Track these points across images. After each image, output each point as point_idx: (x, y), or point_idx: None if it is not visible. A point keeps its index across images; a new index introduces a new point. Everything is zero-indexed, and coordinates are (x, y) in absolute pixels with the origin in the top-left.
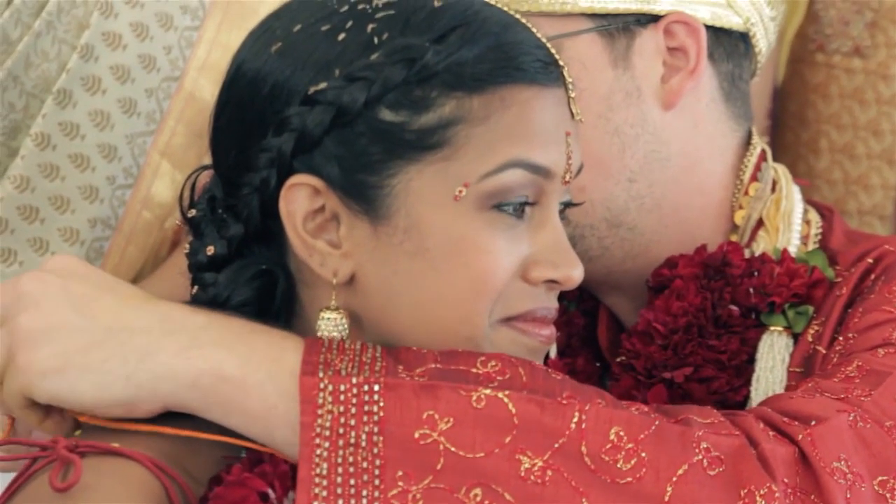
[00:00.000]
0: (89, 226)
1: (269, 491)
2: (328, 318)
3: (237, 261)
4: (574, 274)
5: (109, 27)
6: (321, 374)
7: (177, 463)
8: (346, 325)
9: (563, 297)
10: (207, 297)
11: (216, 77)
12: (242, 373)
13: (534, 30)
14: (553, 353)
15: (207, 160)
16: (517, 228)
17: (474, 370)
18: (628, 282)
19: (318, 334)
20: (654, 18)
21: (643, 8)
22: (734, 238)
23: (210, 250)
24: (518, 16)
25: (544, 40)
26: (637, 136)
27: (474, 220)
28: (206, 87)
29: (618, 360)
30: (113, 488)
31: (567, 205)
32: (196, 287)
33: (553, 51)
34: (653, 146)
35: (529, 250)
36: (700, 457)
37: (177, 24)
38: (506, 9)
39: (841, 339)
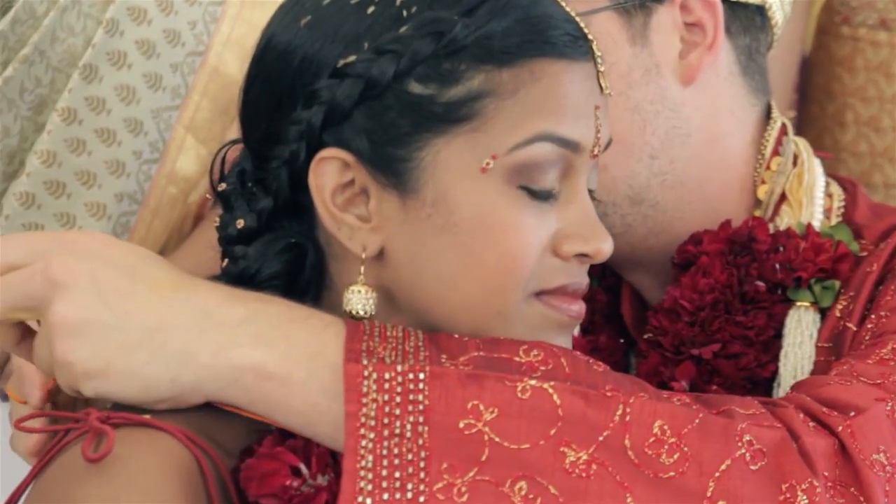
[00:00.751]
0: (116, 200)
1: (301, 465)
2: (356, 293)
3: (267, 234)
4: (604, 247)
5: (134, 2)
6: (365, 362)
7: (208, 435)
8: (374, 300)
9: None
10: (237, 270)
11: (241, 52)
12: (284, 370)
13: (563, 3)
14: (576, 330)
15: (232, 135)
16: (545, 203)
17: (517, 359)
18: (651, 258)
19: (346, 308)
20: None
21: None
22: (757, 213)
23: (240, 223)
24: None
25: (573, 14)
26: (657, 112)
27: (501, 195)
28: (230, 62)
29: (645, 336)
30: (145, 459)
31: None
32: (226, 260)
33: (582, 24)
34: (673, 122)
35: (558, 225)
36: (743, 451)
37: None
38: None
39: (873, 317)
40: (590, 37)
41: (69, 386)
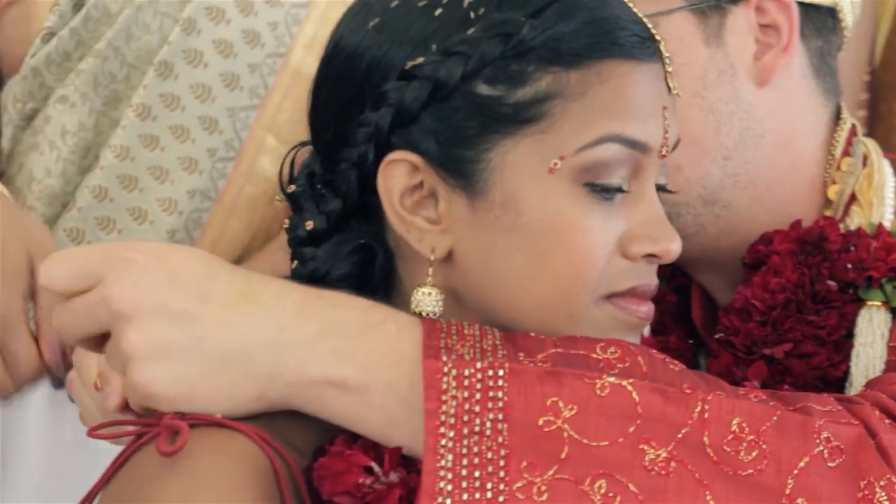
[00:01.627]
0: (188, 196)
1: (374, 464)
2: (425, 293)
3: (336, 235)
4: (673, 247)
5: (212, 2)
6: (444, 358)
7: (280, 434)
8: (442, 301)
9: None
10: (307, 271)
11: None
12: (363, 384)
13: (630, 4)
14: (646, 331)
15: None
16: (612, 204)
17: (594, 356)
18: (722, 259)
19: (415, 309)
20: None
21: None
22: (828, 213)
23: (309, 225)
24: None
25: (641, 15)
26: (732, 113)
27: (569, 196)
28: (313, 64)
29: (716, 336)
30: (219, 458)
31: (660, 188)
32: (296, 262)
33: (650, 25)
34: (747, 123)
35: (626, 226)
36: (821, 448)
37: (283, 1)
38: None
39: None
40: (657, 37)
41: (143, 403)
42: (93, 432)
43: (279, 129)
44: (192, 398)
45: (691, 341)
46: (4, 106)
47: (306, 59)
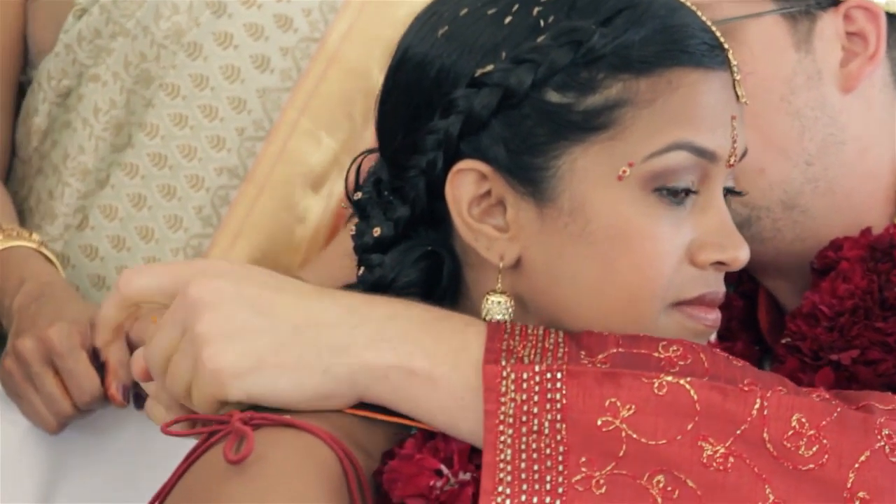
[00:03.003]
0: (215, 174)
1: (443, 467)
2: (495, 301)
3: (403, 242)
4: (741, 255)
5: None
6: (503, 363)
7: (349, 436)
8: (511, 309)
9: None
10: (373, 278)
11: (364, 44)
12: (429, 366)
13: (699, 13)
14: (712, 337)
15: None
16: (680, 212)
17: (656, 354)
18: (793, 265)
19: (485, 317)
20: (835, 2)
21: None
22: None
23: (376, 232)
24: None
25: (709, 23)
26: (816, 119)
27: (637, 203)
28: (350, 51)
29: (782, 341)
30: (287, 459)
31: (730, 191)
32: (362, 269)
33: (718, 33)
34: (830, 130)
35: (694, 234)
36: (882, 443)
37: None
38: None
39: None
40: (726, 46)
41: (213, 396)
42: (166, 428)
43: (314, 113)
44: (259, 371)
45: (757, 347)
46: (39, 84)
47: (343, 46)
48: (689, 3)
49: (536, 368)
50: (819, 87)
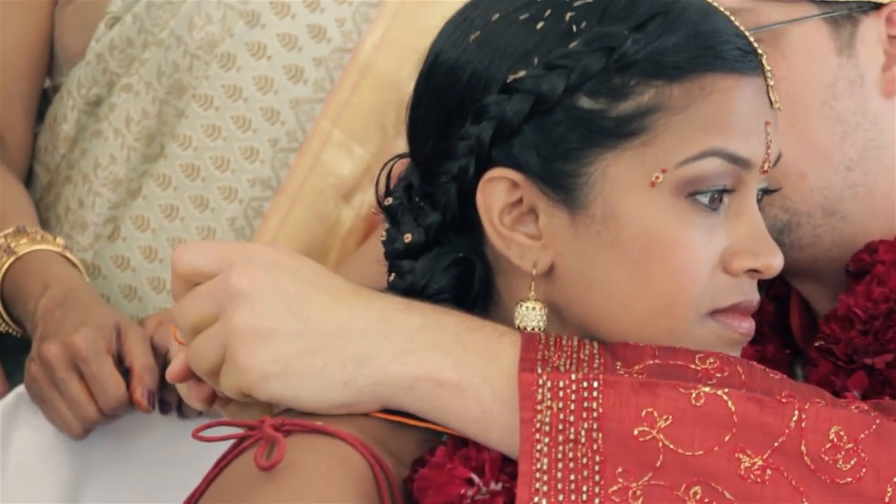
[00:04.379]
0: (248, 185)
1: (474, 476)
2: (529, 308)
3: (434, 249)
4: (774, 262)
5: None
6: (539, 371)
7: (380, 442)
8: (544, 316)
9: None
10: (405, 284)
11: (398, 54)
12: (459, 376)
13: (732, 18)
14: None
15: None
16: (713, 219)
17: (693, 366)
18: (828, 269)
19: (518, 324)
20: (876, 6)
21: None
22: None
23: (407, 238)
24: (744, 0)
25: (744, 29)
26: (858, 124)
27: (670, 210)
28: (383, 61)
29: (816, 344)
30: (318, 465)
31: (765, 192)
32: (393, 275)
33: (752, 39)
34: (871, 135)
35: (727, 241)
36: None
37: None
38: None
39: None
40: (759, 51)
41: (239, 388)
42: (197, 434)
43: (347, 124)
44: (284, 377)
45: (788, 351)
46: (69, 91)
47: (376, 56)
48: (727, 9)
49: (573, 377)
50: (861, 92)
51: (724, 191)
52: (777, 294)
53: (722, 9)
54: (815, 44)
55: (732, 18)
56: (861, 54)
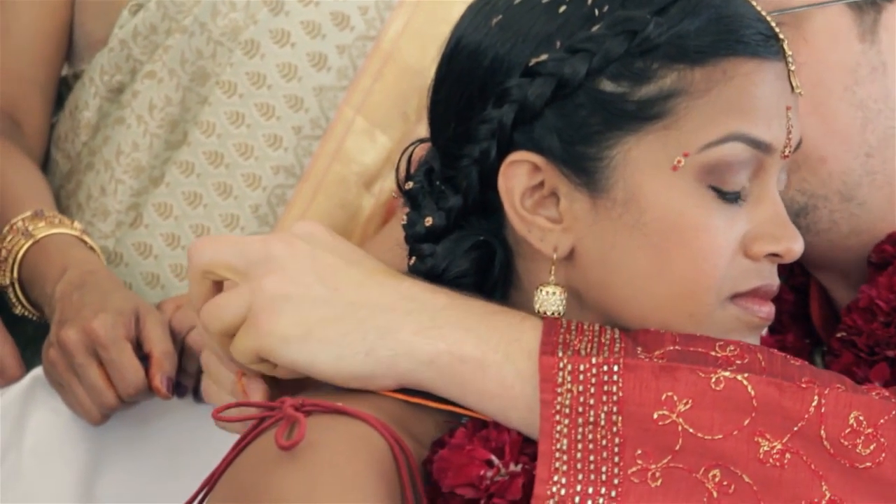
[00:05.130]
0: (272, 172)
1: (493, 457)
2: (549, 292)
3: (455, 232)
4: (795, 247)
5: None
6: (560, 354)
7: (400, 424)
8: (564, 301)
9: None
10: (425, 267)
11: (420, 41)
12: (481, 353)
13: (754, 2)
14: (763, 330)
15: (412, 124)
16: (735, 205)
17: (713, 353)
18: (847, 259)
19: (537, 308)
20: None
21: None
22: None
23: (428, 221)
24: None
25: (764, 13)
26: (879, 111)
27: (692, 195)
28: (405, 49)
29: (838, 335)
30: (338, 445)
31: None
32: (413, 258)
33: (773, 23)
34: (891, 122)
35: (748, 226)
36: None
37: None
38: None
39: None
40: (781, 36)
41: (255, 351)
42: (217, 414)
43: (370, 111)
44: (305, 342)
45: (808, 340)
46: (91, 79)
47: (399, 44)
48: None
49: (593, 360)
50: (883, 79)
51: (739, 197)
52: (797, 284)
53: None
54: (838, 28)
55: (754, 3)
56: (884, 41)
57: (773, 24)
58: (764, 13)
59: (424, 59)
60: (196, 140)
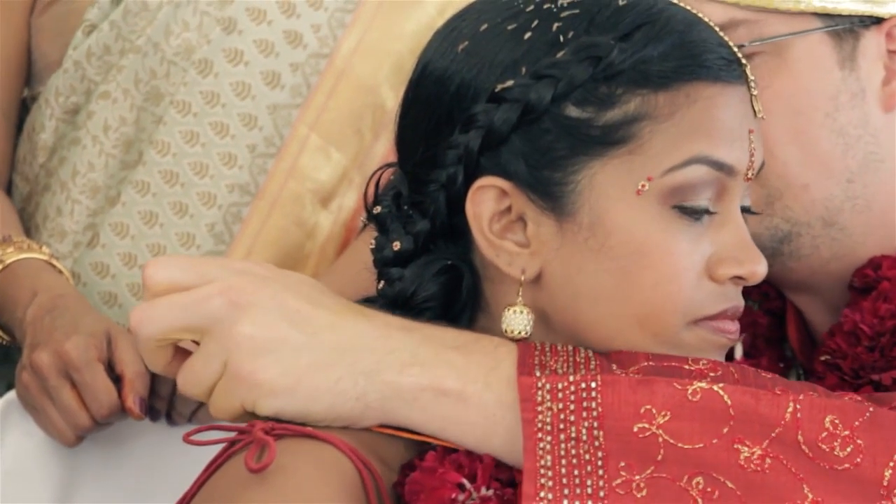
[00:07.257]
0: (227, 191)
1: (465, 482)
2: (516, 311)
3: (423, 256)
4: (759, 269)
5: (254, 3)
6: (538, 374)
7: (368, 447)
8: (531, 322)
9: (747, 296)
10: (394, 291)
11: (373, 58)
12: (462, 385)
13: (717, 29)
14: (738, 354)
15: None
16: (698, 227)
17: (687, 367)
18: (827, 283)
19: (505, 329)
20: (877, 21)
21: (871, 10)
22: None
23: (396, 246)
24: (748, 12)
25: (727, 39)
26: (859, 137)
27: (656, 219)
28: (359, 66)
29: (822, 358)
30: (307, 470)
31: (745, 210)
32: (382, 282)
33: (735, 49)
34: (872, 148)
35: (712, 248)
36: None
37: (327, 4)
38: (738, 4)
39: None
40: (743, 61)
41: (241, 405)
42: (188, 438)
43: (324, 129)
44: (296, 391)
45: (782, 364)
46: (47, 100)
47: (352, 61)
48: (733, 20)
49: (571, 378)
50: (862, 105)
51: (707, 211)
52: (772, 308)
53: (708, 20)
54: (818, 56)
55: (717, 30)
56: (862, 68)
57: (735, 48)
58: (727, 39)
59: (378, 76)
60: (151, 160)
